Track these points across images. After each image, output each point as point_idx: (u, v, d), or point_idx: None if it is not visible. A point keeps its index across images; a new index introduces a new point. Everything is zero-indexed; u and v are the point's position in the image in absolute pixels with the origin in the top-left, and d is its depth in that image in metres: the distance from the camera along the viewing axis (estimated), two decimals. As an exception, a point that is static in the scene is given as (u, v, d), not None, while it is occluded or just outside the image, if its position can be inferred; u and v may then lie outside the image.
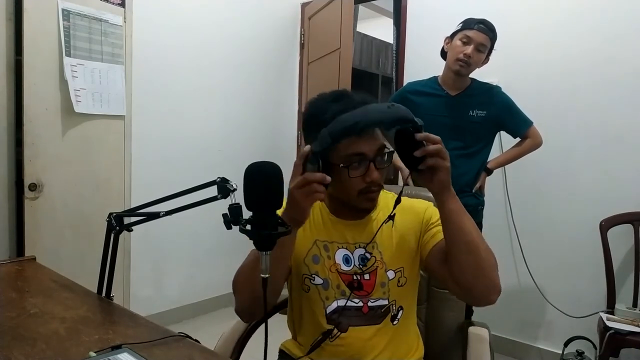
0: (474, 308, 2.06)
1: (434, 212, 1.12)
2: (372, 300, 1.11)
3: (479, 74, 2.15)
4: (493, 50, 2.08)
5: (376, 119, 0.91)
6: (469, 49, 1.99)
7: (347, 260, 1.12)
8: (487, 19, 2.04)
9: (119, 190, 2.47)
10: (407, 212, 1.13)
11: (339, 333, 1.10)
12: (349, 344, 1.10)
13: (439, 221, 1.02)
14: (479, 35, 1.99)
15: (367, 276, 1.10)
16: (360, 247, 1.11)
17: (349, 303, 1.10)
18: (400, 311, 1.12)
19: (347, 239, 1.13)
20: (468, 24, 2.03)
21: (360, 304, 1.11)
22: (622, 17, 2.32)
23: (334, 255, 1.12)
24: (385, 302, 1.11)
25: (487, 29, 2.00)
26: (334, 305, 1.11)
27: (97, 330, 1.07)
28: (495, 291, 0.97)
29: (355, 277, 1.10)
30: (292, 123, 3.64)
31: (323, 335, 1.11)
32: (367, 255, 1.11)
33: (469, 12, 2.13)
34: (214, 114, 3.12)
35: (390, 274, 1.10)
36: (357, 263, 1.11)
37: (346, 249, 1.12)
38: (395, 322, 1.11)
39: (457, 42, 2.03)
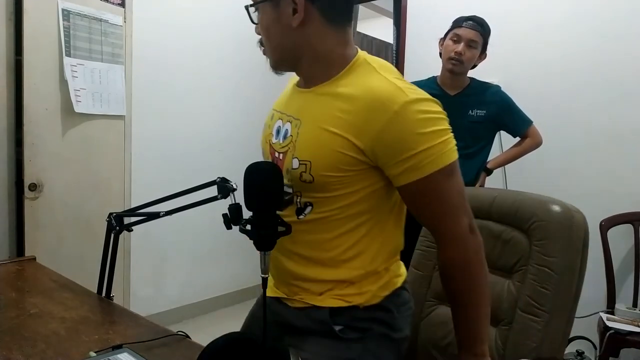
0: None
1: (397, 129, 0.83)
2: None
3: (480, 74, 2.15)
4: (488, 45, 2.08)
5: None
6: (460, 47, 2.01)
7: (277, 132, 0.99)
8: (482, 17, 2.05)
9: (119, 190, 2.46)
10: (354, 100, 0.87)
11: None
12: None
13: (407, 150, 0.82)
14: (468, 32, 2.01)
15: (282, 155, 0.96)
16: (289, 120, 0.97)
17: None
18: (309, 207, 0.93)
19: (284, 108, 1.01)
20: (457, 22, 2.06)
21: None
22: (622, 17, 2.32)
23: (273, 124, 1.02)
24: (290, 190, 0.94)
25: (475, 25, 2.02)
26: None
27: (97, 330, 1.07)
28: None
29: (277, 154, 0.97)
30: (292, 123, 3.63)
31: None
32: (288, 131, 0.95)
33: (469, 12, 2.12)
34: (214, 113, 3.12)
35: (295, 163, 0.91)
36: (281, 137, 0.97)
37: (281, 119, 1.00)
38: (301, 216, 0.94)
39: (448, 41, 2.06)
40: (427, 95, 0.87)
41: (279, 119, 1.01)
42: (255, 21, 0.97)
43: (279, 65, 0.99)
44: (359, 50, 0.96)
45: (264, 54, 1.00)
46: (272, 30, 0.94)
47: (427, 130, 0.83)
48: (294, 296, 0.99)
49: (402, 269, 1.04)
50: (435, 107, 0.86)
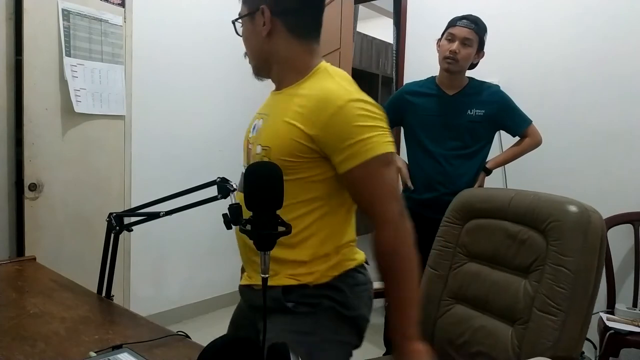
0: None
1: (337, 124, 0.95)
2: None
3: (480, 74, 2.15)
4: (487, 45, 2.08)
5: None
6: (454, 45, 2.02)
7: (253, 128, 1.14)
8: (478, 16, 2.05)
9: (119, 190, 2.47)
10: (309, 97, 1.01)
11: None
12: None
13: (345, 141, 0.95)
14: (462, 31, 2.03)
15: (252, 146, 1.12)
16: (262, 118, 1.12)
17: (243, 170, 1.10)
18: None
19: (262, 109, 1.17)
20: (452, 22, 2.07)
21: None
22: (622, 17, 2.32)
23: (252, 124, 1.16)
24: None
25: (469, 23, 2.03)
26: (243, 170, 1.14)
27: (97, 330, 1.07)
28: None
29: (250, 146, 1.13)
30: (292, 123, 3.63)
31: None
32: (260, 125, 1.11)
33: (469, 12, 2.13)
34: (214, 113, 3.12)
35: (258, 149, 1.06)
36: (255, 132, 1.13)
37: (257, 118, 1.15)
38: None
39: (443, 41, 2.08)
40: (371, 100, 1.01)
41: (257, 118, 1.14)
42: (240, 34, 1.13)
43: (259, 71, 1.15)
44: (324, 61, 1.10)
45: (249, 62, 1.15)
46: (250, 40, 1.11)
47: (365, 124, 0.96)
48: (256, 279, 1.09)
49: (358, 255, 1.13)
50: (376, 109, 1.00)
